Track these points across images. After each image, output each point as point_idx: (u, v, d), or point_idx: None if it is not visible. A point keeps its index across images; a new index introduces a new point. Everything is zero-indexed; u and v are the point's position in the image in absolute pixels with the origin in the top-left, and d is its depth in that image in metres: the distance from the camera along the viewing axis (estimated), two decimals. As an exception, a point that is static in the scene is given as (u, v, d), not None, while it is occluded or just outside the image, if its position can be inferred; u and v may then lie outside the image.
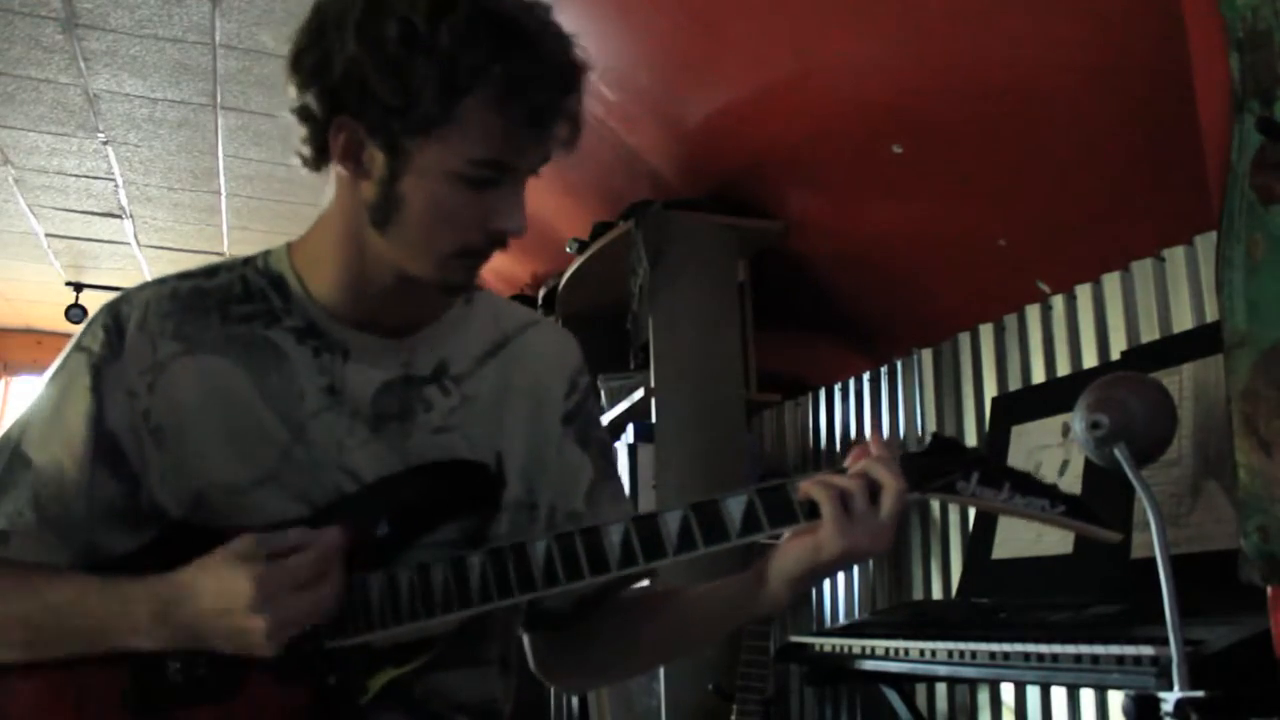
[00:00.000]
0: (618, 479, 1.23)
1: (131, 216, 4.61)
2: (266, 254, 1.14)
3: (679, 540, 1.00)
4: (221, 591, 0.92)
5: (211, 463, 1.04)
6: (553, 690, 3.23)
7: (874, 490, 1.00)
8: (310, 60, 1.00)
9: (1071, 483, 1.63)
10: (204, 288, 1.11)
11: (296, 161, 1.07)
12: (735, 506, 1.01)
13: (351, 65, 0.96)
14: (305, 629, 0.93)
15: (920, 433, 2.48)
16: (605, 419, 2.90)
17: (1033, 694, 1.97)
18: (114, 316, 1.08)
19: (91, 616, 0.96)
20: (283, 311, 1.09)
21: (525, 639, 1.22)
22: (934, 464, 1.04)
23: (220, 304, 1.09)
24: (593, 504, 1.17)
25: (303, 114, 1.02)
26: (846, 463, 1.04)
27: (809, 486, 1.01)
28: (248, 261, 1.14)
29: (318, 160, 1.04)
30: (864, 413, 2.67)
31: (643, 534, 1.00)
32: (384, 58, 0.95)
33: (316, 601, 0.93)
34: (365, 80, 0.96)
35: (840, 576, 2.65)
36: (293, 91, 1.02)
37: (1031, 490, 1.02)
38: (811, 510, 1.01)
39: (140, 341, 1.06)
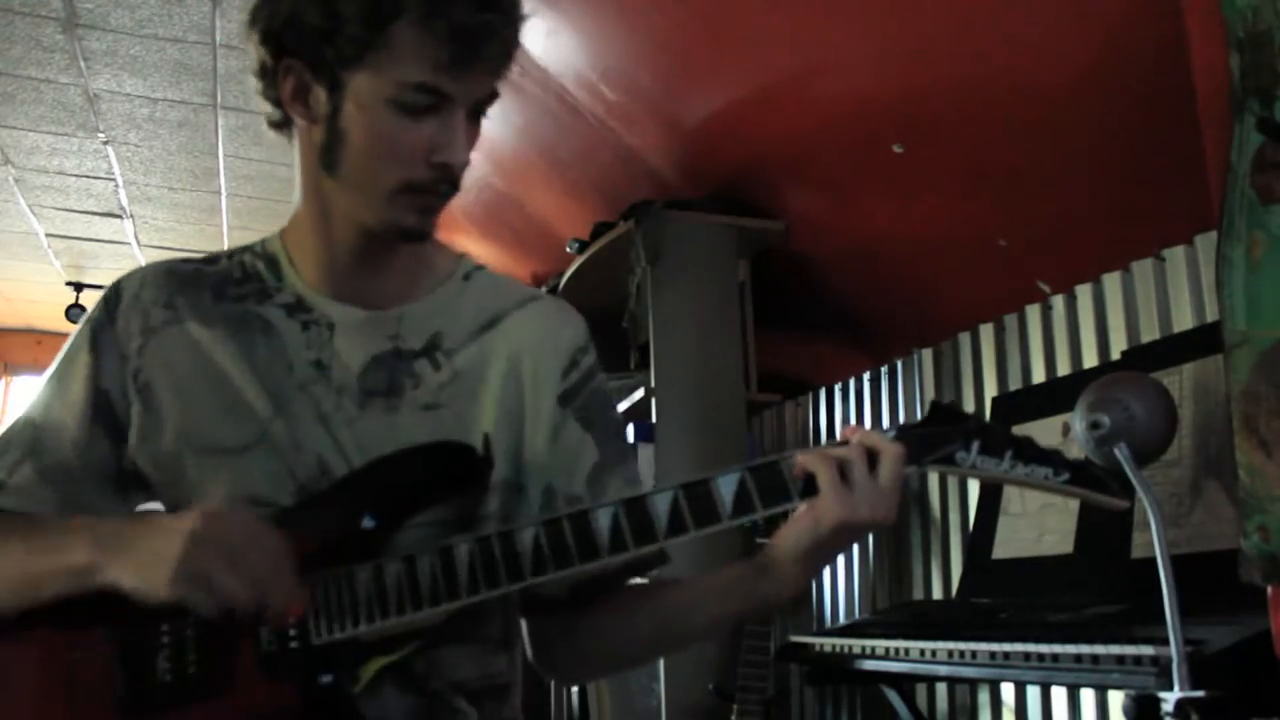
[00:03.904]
0: (630, 463, 1.18)
1: (131, 216, 4.61)
2: (264, 240, 1.18)
3: (669, 523, 0.96)
4: (169, 522, 0.95)
5: (192, 424, 1.06)
6: (553, 689, 3.23)
7: (872, 458, 0.98)
8: (261, 12, 1.04)
9: (1071, 483, 1.63)
10: (203, 270, 1.15)
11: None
12: (726, 485, 0.97)
13: (288, 6, 1.01)
14: (209, 596, 0.91)
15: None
16: (605, 419, 2.90)
17: (1033, 694, 1.97)
18: (115, 289, 1.14)
19: (44, 530, 1.00)
20: (275, 289, 1.12)
21: (523, 625, 1.20)
22: (932, 435, 1.00)
23: (216, 285, 1.13)
24: (596, 488, 1.12)
25: (260, 71, 1.06)
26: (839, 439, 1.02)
27: (805, 459, 0.98)
28: (247, 247, 1.17)
29: (282, 119, 1.08)
30: (864, 413, 2.67)
31: (632, 517, 0.97)
32: None
33: (240, 571, 0.91)
34: (300, 15, 1.00)
35: (840, 576, 2.65)
36: (251, 52, 1.06)
37: (1034, 458, 0.98)
38: (808, 488, 0.98)
39: (134, 308, 1.11)
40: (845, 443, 1.00)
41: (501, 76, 1.05)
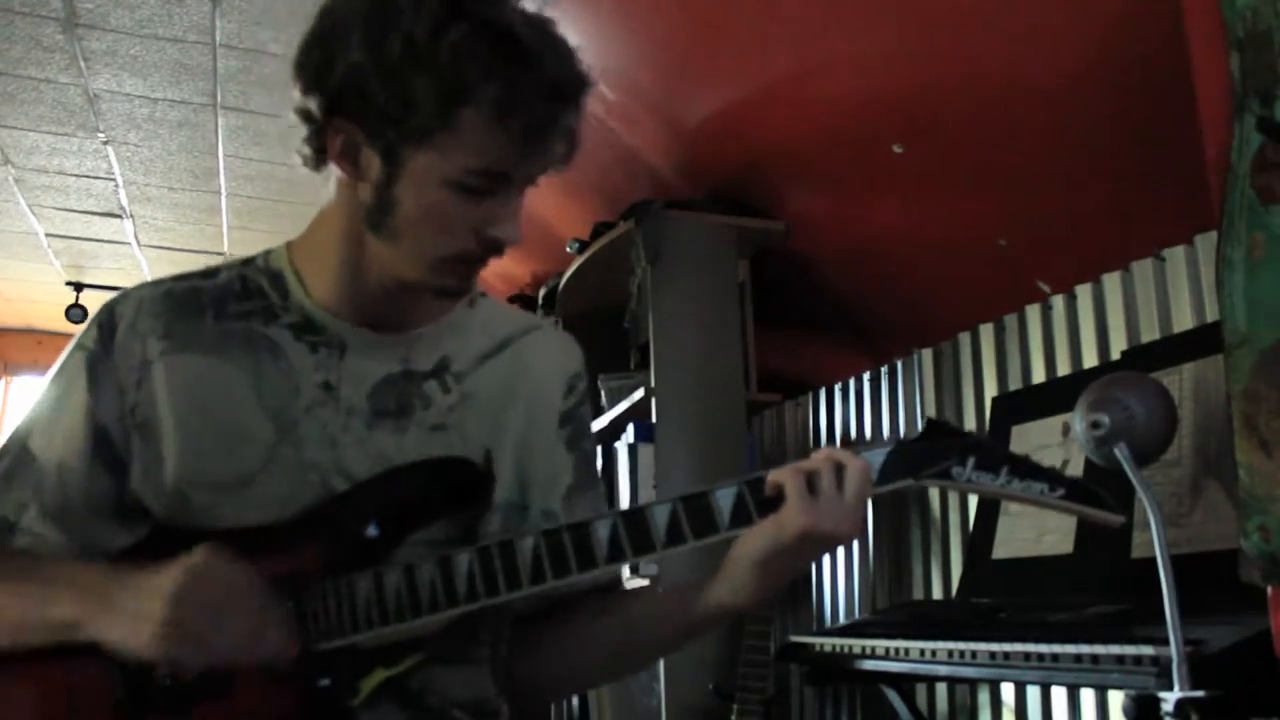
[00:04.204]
0: (598, 489, 1.22)
1: (131, 216, 4.61)
2: (267, 253, 1.15)
3: (667, 534, 0.98)
4: (152, 580, 0.92)
5: (193, 460, 1.04)
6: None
7: (840, 472, 0.99)
8: (314, 63, 1.01)
9: (1071, 483, 1.63)
10: (200, 288, 1.12)
11: (297, 161, 1.08)
12: (724, 498, 0.99)
13: (353, 71, 0.97)
14: (193, 652, 0.91)
15: (920, 433, 2.48)
16: (605, 419, 2.90)
17: (1033, 694, 1.97)
18: (109, 314, 1.10)
19: (32, 580, 0.98)
20: (280, 308, 1.10)
21: None
22: (929, 450, 1.01)
23: (216, 302, 1.10)
24: (570, 507, 1.16)
25: (304, 115, 1.03)
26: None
27: (776, 474, 0.99)
28: (248, 261, 1.15)
29: (317, 161, 1.05)
30: (864, 413, 2.67)
31: (630, 528, 0.98)
32: (385, 67, 0.96)
33: (232, 623, 0.91)
34: (365, 87, 0.97)
35: (840, 576, 2.65)
36: (296, 93, 1.03)
37: (1030, 474, 0.99)
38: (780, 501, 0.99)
39: (130, 339, 1.08)
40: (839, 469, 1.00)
41: (566, 165, 1.05)
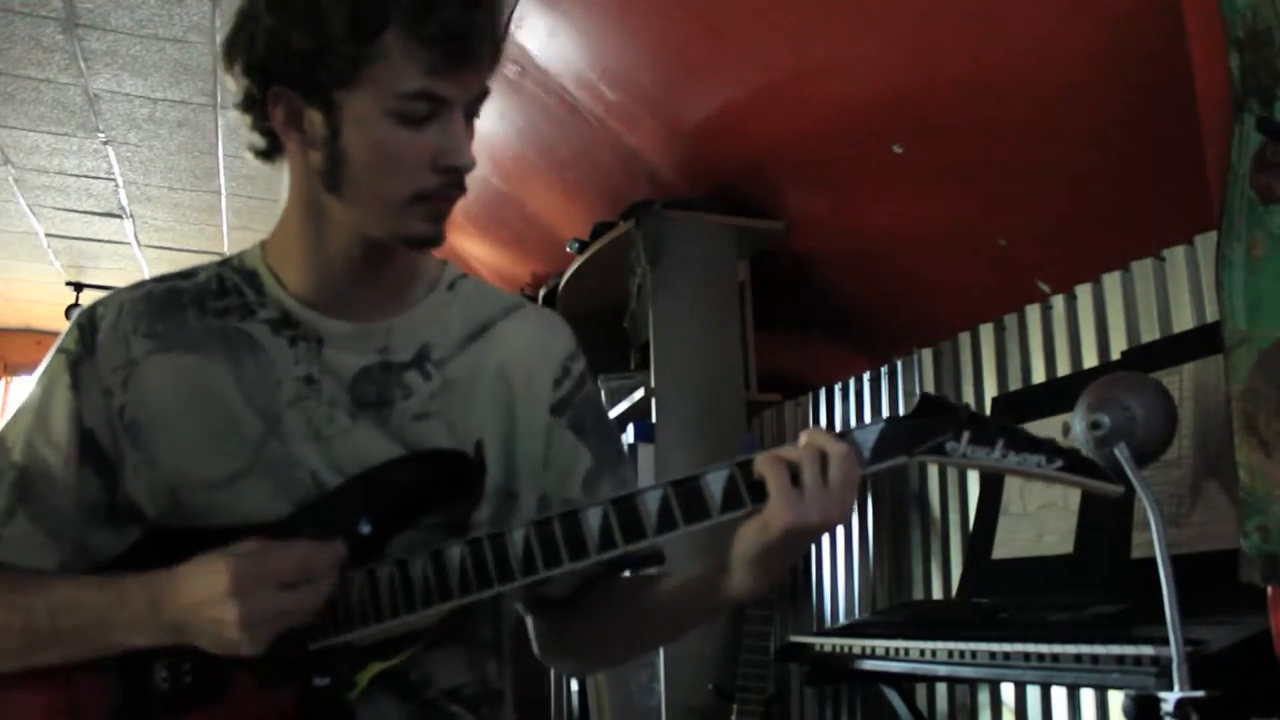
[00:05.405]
0: (622, 467, 1.19)
1: (131, 216, 4.61)
2: (242, 253, 1.15)
3: (659, 521, 0.96)
4: (203, 580, 0.92)
5: (184, 459, 1.04)
6: (552, 687, 3.23)
7: (823, 461, 0.96)
8: (240, 44, 1.03)
9: (1071, 483, 1.63)
10: (179, 287, 1.12)
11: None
12: (715, 482, 0.97)
13: (271, 34, 0.99)
14: (285, 629, 0.92)
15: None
16: (605, 419, 2.90)
17: (1033, 694, 1.97)
18: (90, 317, 1.10)
19: (86, 613, 0.96)
20: (257, 304, 1.10)
21: (529, 621, 1.21)
22: (922, 425, 0.98)
23: (196, 301, 1.11)
24: (590, 492, 1.14)
25: (245, 102, 1.05)
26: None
27: (759, 464, 0.97)
28: (224, 261, 1.15)
29: (270, 148, 1.07)
30: (864, 413, 2.67)
31: (621, 516, 0.97)
32: (294, 16, 0.98)
33: (294, 600, 0.92)
34: (285, 44, 0.99)
35: (840, 576, 2.65)
36: (232, 84, 1.05)
37: (1026, 446, 0.96)
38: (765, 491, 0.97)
39: (113, 339, 1.08)
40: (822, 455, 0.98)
41: (492, 73, 1.05)
